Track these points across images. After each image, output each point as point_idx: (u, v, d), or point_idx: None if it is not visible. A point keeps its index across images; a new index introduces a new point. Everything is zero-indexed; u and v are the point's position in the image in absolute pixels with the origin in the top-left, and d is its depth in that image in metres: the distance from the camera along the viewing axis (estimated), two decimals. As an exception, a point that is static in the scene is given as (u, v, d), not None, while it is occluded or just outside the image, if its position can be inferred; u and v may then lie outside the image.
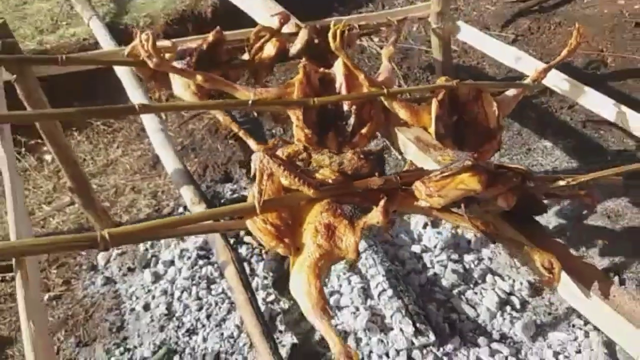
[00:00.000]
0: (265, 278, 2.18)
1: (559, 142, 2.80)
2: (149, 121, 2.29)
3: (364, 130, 1.70)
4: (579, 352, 1.88)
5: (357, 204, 1.25)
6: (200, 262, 2.27)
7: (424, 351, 1.86)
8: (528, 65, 2.46)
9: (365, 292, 2.04)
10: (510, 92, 1.94)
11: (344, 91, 1.75)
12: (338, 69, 1.76)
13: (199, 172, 2.83)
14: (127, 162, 2.88)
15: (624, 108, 2.08)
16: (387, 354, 1.86)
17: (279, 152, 1.33)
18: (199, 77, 1.61)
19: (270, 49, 1.88)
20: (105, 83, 2.72)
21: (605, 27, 3.51)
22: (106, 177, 2.79)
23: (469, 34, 2.78)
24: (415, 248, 2.25)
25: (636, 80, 3.14)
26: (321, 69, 1.78)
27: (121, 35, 3.23)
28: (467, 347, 1.89)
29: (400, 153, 1.77)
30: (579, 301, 1.28)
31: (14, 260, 1.02)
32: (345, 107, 1.71)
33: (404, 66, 3.38)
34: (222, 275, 2.21)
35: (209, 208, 1.97)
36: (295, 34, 1.95)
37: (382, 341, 1.89)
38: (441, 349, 1.87)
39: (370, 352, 1.87)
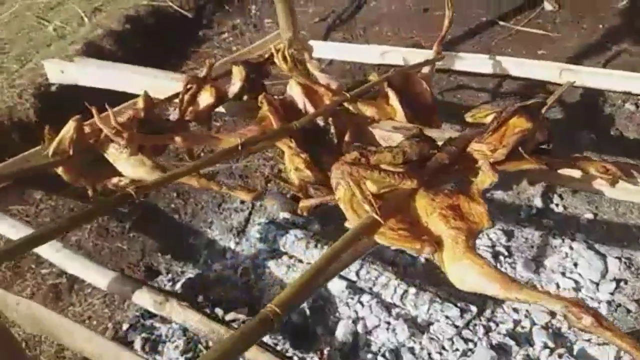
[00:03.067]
0: (276, 345, 1.94)
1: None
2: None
3: (346, 138, 1.66)
4: (576, 265, 2.08)
5: (446, 181, 1.21)
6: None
7: (470, 326, 1.86)
8: (393, 56, 2.67)
9: (384, 304, 1.96)
10: (425, 69, 2.10)
11: (310, 109, 1.69)
12: (295, 91, 1.70)
13: (116, 282, 2.40)
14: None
15: (499, 58, 2.39)
16: (443, 347, 1.81)
17: (337, 170, 1.21)
18: (178, 139, 1.38)
19: (207, 98, 1.71)
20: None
21: (400, 18, 4.00)
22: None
23: (322, 49, 2.90)
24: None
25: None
26: (275, 96, 1.69)
27: None
28: (497, 303, 1.95)
29: (385, 148, 1.77)
30: (629, 193, 1.43)
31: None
32: (321, 123, 1.65)
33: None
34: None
35: (182, 301, 1.74)
36: (223, 76, 1.80)
37: (432, 339, 1.83)
38: (482, 317, 1.89)
39: (429, 354, 1.80)
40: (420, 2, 4.16)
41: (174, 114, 1.72)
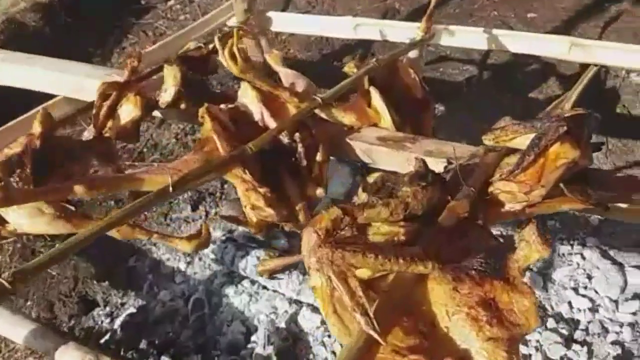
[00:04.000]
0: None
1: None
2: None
3: (318, 157, 1.28)
4: (589, 278, 1.78)
5: (465, 248, 0.84)
6: None
7: None
8: (368, 30, 2.24)
9: None
10: (412, 53, 1.71)
11: (270, 121, 1.28)
12: (249, 98, 1.28)
13: (46, 317, 2.01)
14: None
15: (496, 31, 1.99)
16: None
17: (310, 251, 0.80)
18: (79, 189, 0.96)
19: (130, 110, 1.27)
20: None
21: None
22: None
23: (284, 21, 2.44)
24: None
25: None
26: (222, 106, 1.28)
27: None
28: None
29: (365, 164, 1.38)
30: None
31: None
32: (285, 139, 1.25)
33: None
34: None
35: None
36: (156, 71, 1.36)
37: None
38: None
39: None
40: (389, -42, 3.70)
41: (89, 132, 1.29)
